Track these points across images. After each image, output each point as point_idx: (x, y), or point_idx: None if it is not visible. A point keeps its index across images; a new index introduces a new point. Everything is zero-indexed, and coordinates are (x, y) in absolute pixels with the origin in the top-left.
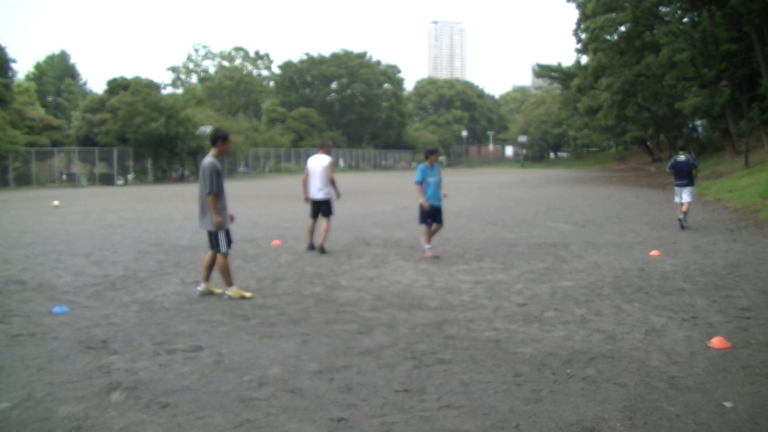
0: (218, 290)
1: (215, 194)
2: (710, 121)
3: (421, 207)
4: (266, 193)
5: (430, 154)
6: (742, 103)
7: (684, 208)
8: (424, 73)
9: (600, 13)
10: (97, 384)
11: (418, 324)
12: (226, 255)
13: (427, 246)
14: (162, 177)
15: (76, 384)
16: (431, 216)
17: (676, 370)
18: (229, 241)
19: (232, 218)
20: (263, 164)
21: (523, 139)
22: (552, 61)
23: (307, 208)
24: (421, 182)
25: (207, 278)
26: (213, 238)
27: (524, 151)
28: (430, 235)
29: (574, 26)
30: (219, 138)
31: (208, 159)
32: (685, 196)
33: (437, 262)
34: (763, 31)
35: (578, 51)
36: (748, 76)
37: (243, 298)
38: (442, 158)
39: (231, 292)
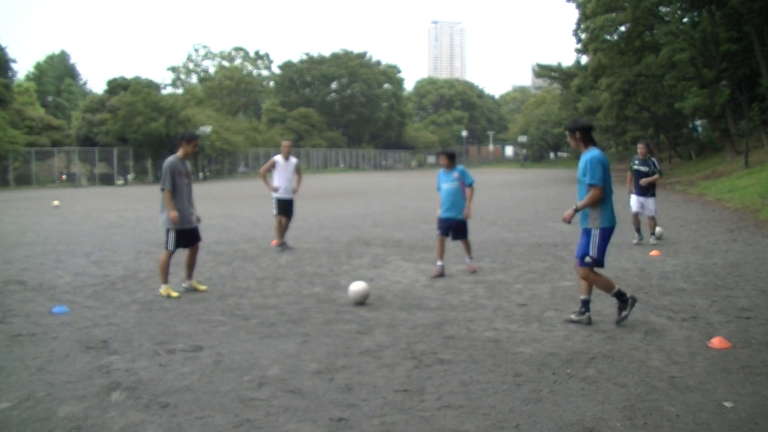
0: (202, 287)
1: (171, 192)
2: (710, 121)
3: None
4: (266, 193)
5: (439, 155)
6: (742, 103)
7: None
8: (424, 73)
9: (600, 13)
10: (97, 384)
11: (418, 324)
12: (171, 253)
13: (439, 263)
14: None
15: (76, 384)
16: (442, 228)
17: (676, 370)
18: (194, 239)
19: (198, 219)
20: (263, 164)
21: (523, 139)
22: (552, 61)
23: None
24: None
25: (190, 276)
26: (165, 234)
27: (524, 151)
28: (467, 249)
29: (574, 26)
30: (183, 139)
31: (170, 158)
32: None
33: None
34: (763, 31)
35: (578, 51)
36: (748, 76)
37: (169, 296)
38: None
39: (162, 289)
